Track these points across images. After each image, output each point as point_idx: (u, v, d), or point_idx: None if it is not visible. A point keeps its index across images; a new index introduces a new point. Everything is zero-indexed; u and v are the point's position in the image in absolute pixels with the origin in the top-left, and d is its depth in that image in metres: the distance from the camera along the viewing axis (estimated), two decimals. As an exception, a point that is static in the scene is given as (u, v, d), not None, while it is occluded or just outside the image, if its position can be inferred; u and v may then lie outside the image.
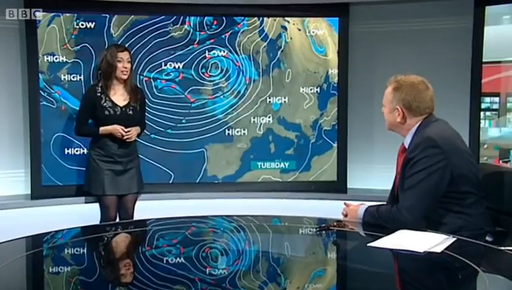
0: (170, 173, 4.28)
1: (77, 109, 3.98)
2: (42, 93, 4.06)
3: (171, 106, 4.27)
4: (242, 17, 4.28)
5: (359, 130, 4.42)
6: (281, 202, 4.28)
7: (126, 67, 3.68)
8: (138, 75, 4.15)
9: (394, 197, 2.50)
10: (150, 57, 4.20)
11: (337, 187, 4.36)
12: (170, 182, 4.28)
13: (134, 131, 3.71)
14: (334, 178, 4.40)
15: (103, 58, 3.72)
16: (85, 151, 4.06)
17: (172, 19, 4.21)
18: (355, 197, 3.99)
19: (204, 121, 4.31)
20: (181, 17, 4.22)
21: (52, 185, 4.09)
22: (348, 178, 4.39)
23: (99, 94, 3.68)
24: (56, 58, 4.07)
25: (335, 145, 4.39)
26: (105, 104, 3.67)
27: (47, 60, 4.05)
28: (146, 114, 3.98)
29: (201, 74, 4.28)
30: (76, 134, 3.84)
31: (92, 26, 4.10)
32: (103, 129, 3.66)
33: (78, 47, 4.09)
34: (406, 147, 2.44)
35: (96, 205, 3.78)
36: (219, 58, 4.30)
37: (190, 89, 4.27)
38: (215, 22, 4.26)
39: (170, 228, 2.56)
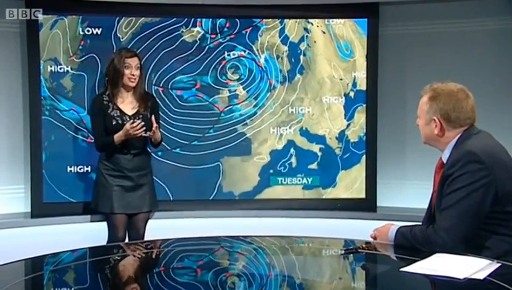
0: (182, 189, 4.28)
1: (81, 119, 4.02)
2: (44, 103, 4.09)
3: (194, 115, 4.27)
4: (260, 19, 4.30)
5: (390, 142, 4.39)
6: (303, 222, 4.27)
7: (133, 75, 3.70)
8: (152, 86, 4.19)
9: (430, 218, 2.47)
10: (162, 64, 4.21)
11: (366, 205, 4.34)
12: (182, 199, 4.28)
13: (139, 125, 3.60)
14: (363, 195, 4.38)
15: (110, 64, 3.75)
16: (91, 166, 4.09)
17: (184, 21, 4.22)
18: (386, 216, 3.96)
19: (219, 132, 4.33)
20: (194, 20, 4.23)
21: (54, 202, 4.10)
22: (378, 195, 4.37)
23: (106, 102, 3.70)
24: (60, 66, 4.10)
25: (364, 159, 4.37)
26: (113, 112, 3.68)
27: (50, 66, 4.09)
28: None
29: (219, 80, 4.29)
30: (97, 150, 3.78)
31: (99, 32, 4.13)
32: (116, 136, 3.63)
33: (85, 56, 4.12)
34: (445, 162, 2.42)
35: (103, 224, 3.80)
36: (239, 60, 4.31)
37: (207, 96, 4.28)
38: (227, 25, 4.27)
39: (185, 251, 2.56)
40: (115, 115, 3.68)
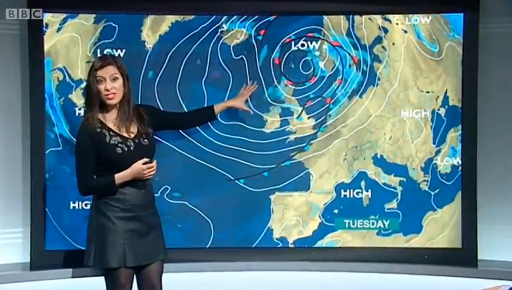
0: (218, 232, 4.32)
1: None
2: (49, 123, 4.18)
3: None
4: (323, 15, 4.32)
5: (495, 176, 4.35)
6: (380, 278, 4.25)
7: (109, 90, 3.59)
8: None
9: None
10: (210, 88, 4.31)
11: (463, 258, 4.29)
12: (217, 246, 4.31)
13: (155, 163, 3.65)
14: (459, 245, 4.34)
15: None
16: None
17: (224, 19, 4.28)
18: (490, 273, 3.93)
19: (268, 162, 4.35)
20: (241, 17, 4.29)
21: (59, 250, 4.18)
22: (479, 245, 4.31)
23: (99, 129, 3.61)
24: (70, 77, 4.20)
25: (459, 196, 4.32)
26: (113, 140, 3.60)
27: (57, 78, 4.19)
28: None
29: (276, 91, 4.36)
30: (83, 192, 3.69)
31: (122, 54, 4.22)
32: (119, 177, 3.58)
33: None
34: None
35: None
36: (311, 54, 4.35)
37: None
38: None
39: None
40: (117, 142, 3.62)
